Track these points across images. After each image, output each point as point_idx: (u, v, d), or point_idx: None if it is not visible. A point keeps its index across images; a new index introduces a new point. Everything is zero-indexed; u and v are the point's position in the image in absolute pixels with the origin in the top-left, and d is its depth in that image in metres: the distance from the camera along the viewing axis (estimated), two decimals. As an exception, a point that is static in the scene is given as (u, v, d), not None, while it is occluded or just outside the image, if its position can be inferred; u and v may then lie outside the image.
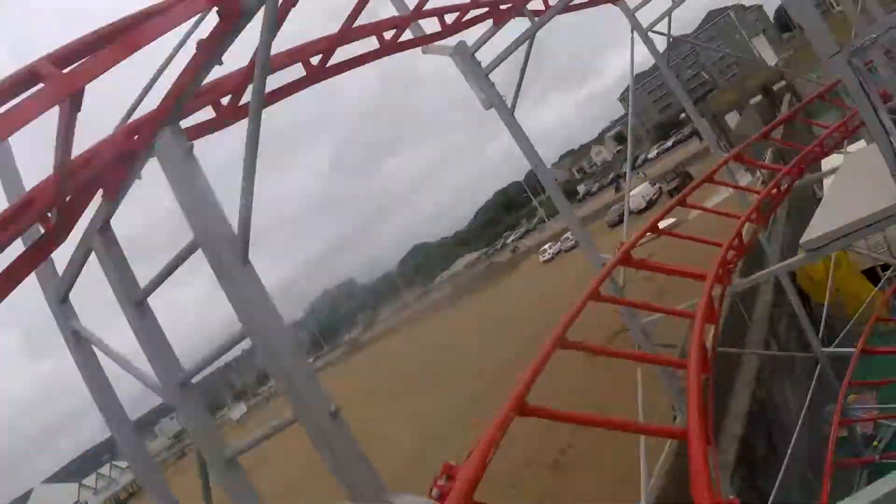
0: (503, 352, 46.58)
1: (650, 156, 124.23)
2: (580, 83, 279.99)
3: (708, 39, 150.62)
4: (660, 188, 76.89)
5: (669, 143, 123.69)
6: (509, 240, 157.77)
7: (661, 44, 12.78)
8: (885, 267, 20.43)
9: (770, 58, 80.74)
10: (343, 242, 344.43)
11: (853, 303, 17.76)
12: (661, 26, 12.35)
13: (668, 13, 11.88)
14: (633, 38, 12.11)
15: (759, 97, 63.94)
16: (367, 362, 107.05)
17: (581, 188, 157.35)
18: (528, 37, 8.61)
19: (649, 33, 12.25)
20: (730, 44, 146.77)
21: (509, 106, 8.58)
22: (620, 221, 75.55)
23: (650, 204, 72.36)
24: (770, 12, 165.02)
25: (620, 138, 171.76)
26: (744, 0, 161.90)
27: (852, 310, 17.12)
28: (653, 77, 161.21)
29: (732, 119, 63.99)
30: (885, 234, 20.66)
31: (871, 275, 19.96)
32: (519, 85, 8.75)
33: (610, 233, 74.88)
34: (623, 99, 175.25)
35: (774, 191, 9.48)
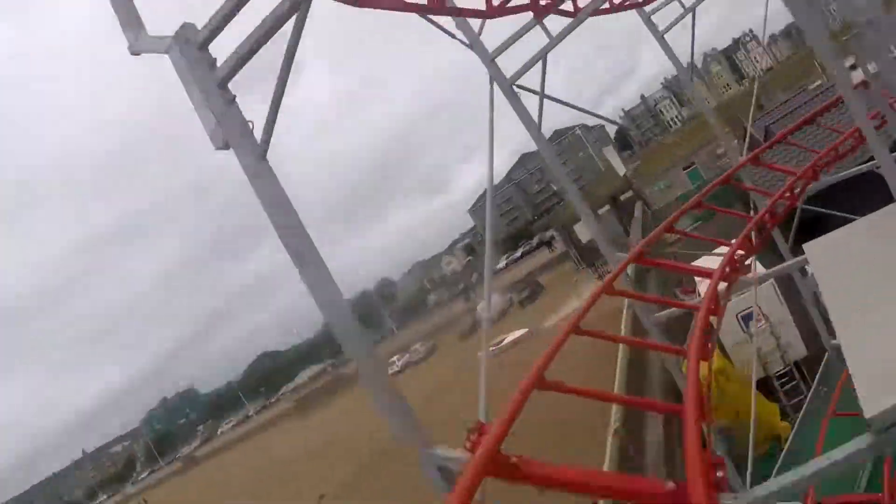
0: (339, 473, 45.02)
1: (500, 266, 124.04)
2: (432, 195, 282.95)
3: (556, 155, 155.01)
4: (510, 298, 75.28)
5: (518, 254, 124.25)
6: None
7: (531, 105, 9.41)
8: (782, 375, 18.09)
9: (620, 169, 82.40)
10: (185, 348, 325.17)
11: (760, 427, 14.87)
12: (532, 83, 9.12)
13: (541, 57, 8.54)
14: (492, 91, 8.78)
15: (607, 207, 64.79)
16: (205, 477, 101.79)
17: (431, 298, 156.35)
18: (287, 15, 4.34)
19: (514, 87, 8.92)
20: (575, 159, 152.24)
21: (259, 142, 4.56)
22: (470, 332, 73.85)
23: (501, 314, 70.72)
24: (611, 132, 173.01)
25: (470, 249, 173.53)
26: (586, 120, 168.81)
27: (761, 436, 14.21)
28: (501, 191, 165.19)
29: (582, 230, 64.02)
30: (778, 338, 18.38)
31: (764, 386, 17.65)
32: (276, 103, 4.52)
33: (461, 343, 72.56)
34: (473, 211, 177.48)
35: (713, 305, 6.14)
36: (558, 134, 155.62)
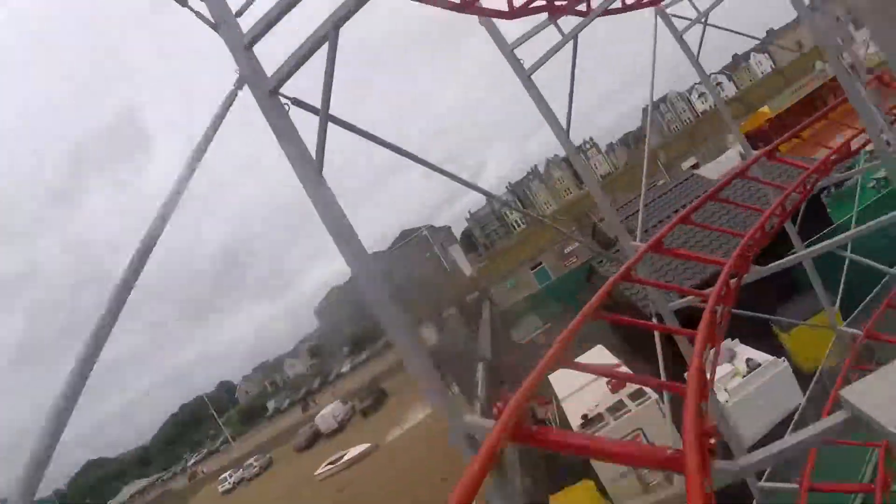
0: None
1: (344, 370, 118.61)
2: (278, 294, 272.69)
3: (402, 255, 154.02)
4: (352, 406, 70.25)
5: (364, 357, 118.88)
6: (190, 462, 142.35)
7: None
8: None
9: (467, 269, 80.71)
10: (6, 449, 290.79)
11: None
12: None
13: (316, 47, 4.85)
14: (233, 94, 5.05)
15: (453, 309, 62.64)
16: None
17: (271, 404, 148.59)
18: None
19: (285, 101, 5.16)
20: (422, 260, 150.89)
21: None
22: (309, 445, 68.18)
23: (342, 425, 65.84)
24: (457, 232, 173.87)
25: (315, 351, 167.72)
26: (434, 221, 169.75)
27: None
28: (347, 290, 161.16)
29: (428, 333, 61.08)
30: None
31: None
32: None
33: (299, 457, 66.88)
34: (319, 311, 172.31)
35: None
36: (405, 234, 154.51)
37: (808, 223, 13.85)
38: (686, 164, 56.79)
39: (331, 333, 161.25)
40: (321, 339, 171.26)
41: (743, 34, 13.36)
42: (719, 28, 12.15)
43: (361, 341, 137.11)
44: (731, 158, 44.24)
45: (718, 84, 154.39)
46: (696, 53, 11.58)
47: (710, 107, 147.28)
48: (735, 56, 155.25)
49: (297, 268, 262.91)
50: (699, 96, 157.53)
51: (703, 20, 11.83)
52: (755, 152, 10.73)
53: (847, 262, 13.30)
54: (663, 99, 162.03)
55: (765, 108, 46.99)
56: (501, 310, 54.81)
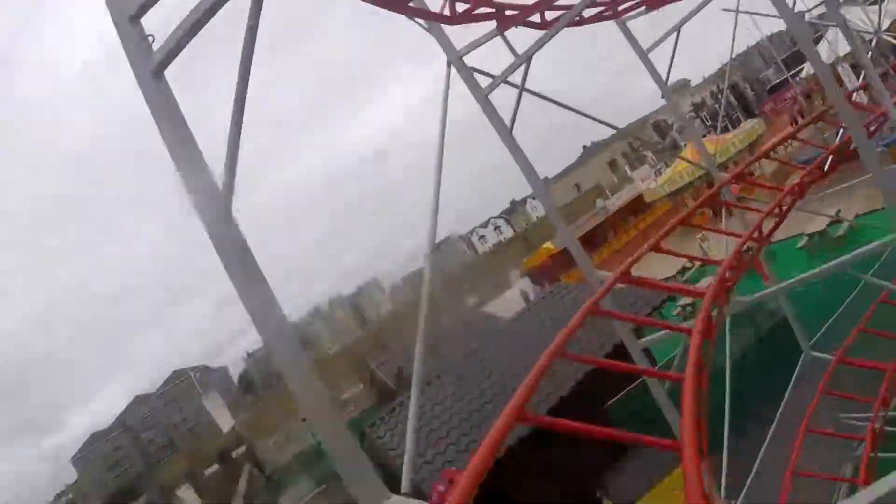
0: None
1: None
2: (39, 435, 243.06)
3: (170, 399, 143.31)
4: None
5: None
6: None
7: None
8: None
9: (226, 421, 73.04)
10: None
11: None
12: None
13: None
14: None
15: (215, 466, 55.64)
16: None
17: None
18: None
19: None
20: (192, 405, 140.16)
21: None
22: None
23: None
24: (235, 374, 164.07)
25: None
26: (210, 361, 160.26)
27: None
28: (110, 438, 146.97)
29: (187, 494, 53.47)
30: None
31: None
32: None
33: None
34: (78, 459, 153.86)
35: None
36: (176, 375, 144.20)
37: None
38: (470, 302, 55.14)
39: (89, 487, 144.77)
40: (78, 493, 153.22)
41: (562, 104, 9.49)
42: (535, 94, 8.22)
43: (121, 498, 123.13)
44: (514, 296, 42.95)
45: (497, 228, 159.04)
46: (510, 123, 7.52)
47: (490, 247, 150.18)
48: (513, 201, 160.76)
49: (62, 405, 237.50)
50: (480, 238, 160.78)
51: (518, 78, 7.84)
52: (608, 273, 6.91)
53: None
54: (445, 241, 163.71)
55: (548, 245, 46.52)
56: (268, 472, 48.02)
